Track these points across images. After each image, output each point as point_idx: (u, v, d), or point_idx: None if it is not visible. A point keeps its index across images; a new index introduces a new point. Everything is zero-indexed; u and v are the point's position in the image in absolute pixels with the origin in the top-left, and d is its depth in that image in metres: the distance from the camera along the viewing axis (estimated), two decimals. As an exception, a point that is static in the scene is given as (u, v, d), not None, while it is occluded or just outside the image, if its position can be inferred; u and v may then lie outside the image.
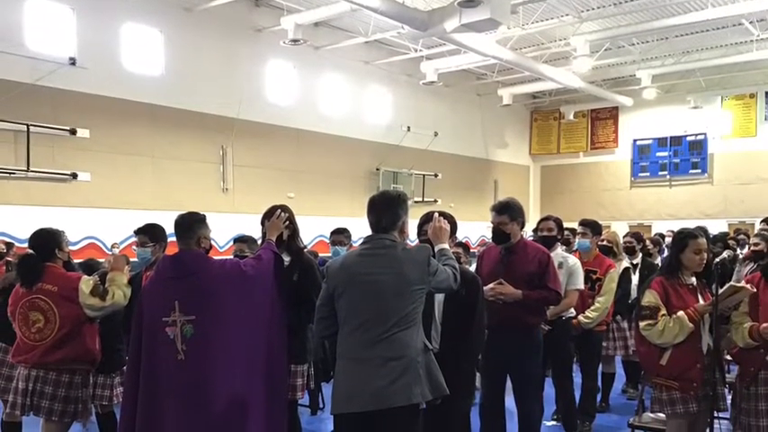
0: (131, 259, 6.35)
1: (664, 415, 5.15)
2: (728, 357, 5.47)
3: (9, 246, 11.45)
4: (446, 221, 4.72)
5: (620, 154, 27.57)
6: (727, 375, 5.65)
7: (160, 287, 4.64)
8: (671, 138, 26.22)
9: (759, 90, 24.56)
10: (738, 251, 11.67)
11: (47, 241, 5.56)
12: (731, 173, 24.97)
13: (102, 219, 15.23)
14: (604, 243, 8.04)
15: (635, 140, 27.11)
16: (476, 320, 4.97)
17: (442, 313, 5.01)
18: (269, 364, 4.74)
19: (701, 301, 4.97)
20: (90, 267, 6.48)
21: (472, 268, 6.28)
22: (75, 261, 6.57)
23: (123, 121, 15.69)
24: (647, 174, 26.80)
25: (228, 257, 5.73)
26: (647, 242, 10.02)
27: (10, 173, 14.06)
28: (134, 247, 6.30)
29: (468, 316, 4.93)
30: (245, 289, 4.67)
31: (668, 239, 10.78)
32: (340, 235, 7.72)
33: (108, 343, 5.73)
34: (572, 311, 6.99)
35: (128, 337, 5.05)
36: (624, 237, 9.22)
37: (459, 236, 6.04)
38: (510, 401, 5.96)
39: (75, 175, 15.00)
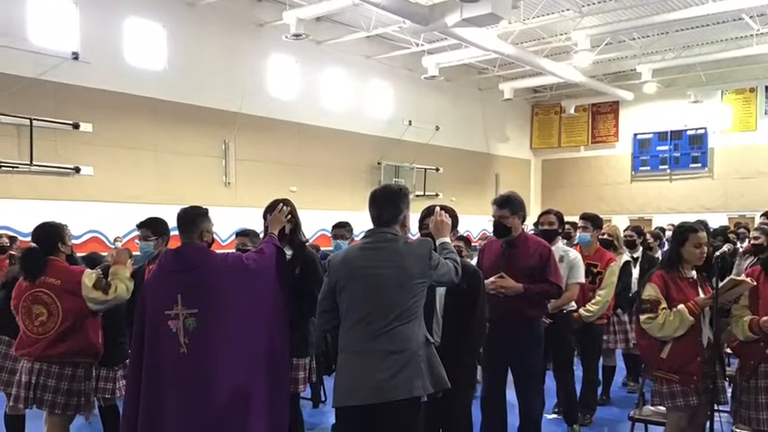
0: (134, 253, 6.38)
1: (664, 408, 5.17)
2: (729, 350, 5.47)
3: (12, 239, 11.48)
4: (447, 215, 4.73)
5: (621, 148, 27.51)
6: (727, 368, 5.64)
7: (163, 281, 4.66)
8: (671, 132, 26.17)
9: (759, 84, 24.49)
10: (738, 245, 11.67)
11: (50, 235, 5.58)
12: (731, 167, 24.93)
13: (104, 212, 15.23)
14: (605, 237, 8.07)
15: (635, 135, 27.05)
16: (477, 314, 4.99)
17: (443, 307, 5.02)
18: (271, 357, 4.76)
19: (702, 295, 4.99)
20: (93, 261, 6.49)
21: (473, 262, 6.29)
22: (78, 255, 6.56)
23: (126, 115, 15.69)
24: (648, 168, 26.76)
25: (231, 251, 5.77)
26: (648, 236, 10.03)
27: (13, 167, 14.06)
28: (137, 240, 6.34)
29: (470, 309, 4.95)
30: (248, 282, 4.69)
31: (668, 233, 10.76)
32: (342, 229, 7.72)
33: (111, 336, 5.75)
34: (573, 305, 7.01)
35: (130, 331, 5.08)
36: (625, 230, 9.25)
37: (461, 229, 6.06)
38: (511, 394, 5.98)
39: (77, 169, 15.00)
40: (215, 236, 5.30)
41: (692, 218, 6.46)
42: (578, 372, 7.39)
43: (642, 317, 5.00)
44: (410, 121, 22.74)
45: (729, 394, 5.26)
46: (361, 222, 5.39)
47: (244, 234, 7.25)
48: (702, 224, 5.46)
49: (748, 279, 4.89)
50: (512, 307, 5.65)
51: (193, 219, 4.79)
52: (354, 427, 4.26)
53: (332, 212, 13.25)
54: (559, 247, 6.88)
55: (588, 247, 7.60)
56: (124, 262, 5.64)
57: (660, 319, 4.89)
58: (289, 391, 5.02)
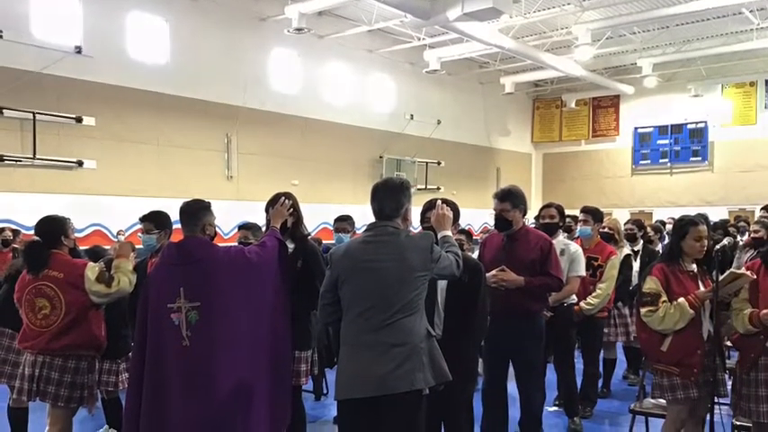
0: (137, 246, 6.40)
1: (664, 400, 5.19)
2: (729, 343, 5.48)
3: (15, 233, 11.52)
4: (449, 209, 4.73)
5: (622, 142, 27.56)
6: (727, 361, 5.65)
7: (165, 274, 4.66)
8: (672, 126, 26.21)
9: (759, 78, 24.51)
10: (739, 238, 11.67)
11: (53, 228, 5.58)
12: (731, 160, 24.98)
13: (107, 206, 15.25)
14: (606, 230, 8.07)
15: (636, 128, 27.09)
16: (478, 307, 5.00)
17: (444, 300, 5.02)
18: (273, 350, 4.77)
19: (702, 288, 4.99)
20: (96, 254, 6.52)
21: (475, 255, 6.31)
22: (81, 248, 6.60)
23: (129, 109, 15.71)
24: (648, 161, 26.80)
25: (233, 244, 5.79)
26: (648, 229, 10.04)
27: (16, 160, 14.10)
28: (139, 234, 6.35)
29: (471, 302, 4.96)
30: (250, 276, 4.70)
31: (669, 226, 10.78)
32: (343, 222, 7.71)
33: (113, 329, 5.76)
34: (574, 298, 7.03)
35: (133, 324, 5.10)
36: (625, 224, 9.25)
37: (462, 223, 6.09)
38: (512, 387, 6.00)
39: (80, 163, 15.03)
40: (217, 229, 5.32)
41: (692, 211, 6.45)
42: (579, 364, 7.41)
43: (643, 310, 5.01)
44: (412, 115, 22.77)
45: (729, 387, 5.29)
46: (363, 216, 5.39)
47: (246, 227, 7.26)
48: (703, 217, 5.46)
49: (748, 272, 4.90)
50: (513, 300, 5.66)
51: (196, 212, 4.78)
52: (356, 419, 4.27)
53: (334, 206, 13.29)
54: (560, 240, 6.90)
55: (589, 240, 7.61)
56: (127, 255, 5.65)
57: (660, 312, 4.90)
58: (291, 384, 5.03)
